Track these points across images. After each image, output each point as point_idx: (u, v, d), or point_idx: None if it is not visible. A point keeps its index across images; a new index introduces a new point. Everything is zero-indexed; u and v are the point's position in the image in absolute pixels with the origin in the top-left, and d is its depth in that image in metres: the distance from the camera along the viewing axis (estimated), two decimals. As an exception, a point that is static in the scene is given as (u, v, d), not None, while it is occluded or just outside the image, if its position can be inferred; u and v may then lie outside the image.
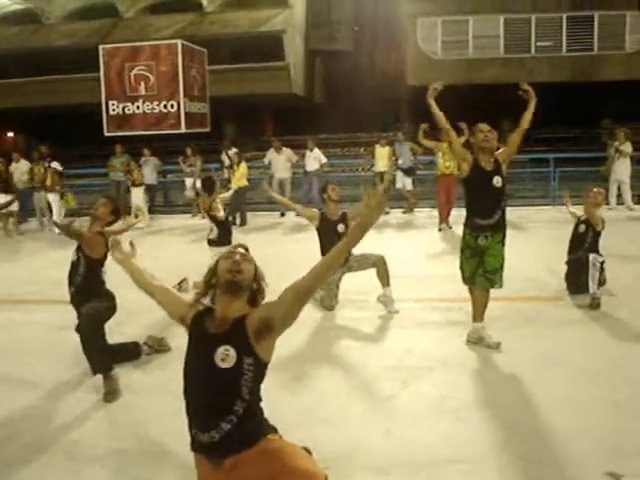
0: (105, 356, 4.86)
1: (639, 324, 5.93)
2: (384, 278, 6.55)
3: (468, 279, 5.49)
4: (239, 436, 2.52)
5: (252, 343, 2.55)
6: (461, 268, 5.51)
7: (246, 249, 2.78)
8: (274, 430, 2.68)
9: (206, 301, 2.75)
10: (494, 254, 5.32)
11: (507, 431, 3.97)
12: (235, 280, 2.60)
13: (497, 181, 5.20)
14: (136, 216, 13.44)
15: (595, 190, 6.94)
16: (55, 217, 13.09)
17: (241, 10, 24.86)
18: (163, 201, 16.57)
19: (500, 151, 5.41)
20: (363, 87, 27.04)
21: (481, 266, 5.36)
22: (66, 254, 5.26)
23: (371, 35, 29.00)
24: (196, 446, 2.60)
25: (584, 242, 6.78)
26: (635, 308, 6.37)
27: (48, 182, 13.25)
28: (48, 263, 9.22)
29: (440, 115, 5.46)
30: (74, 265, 5.04)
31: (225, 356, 2.50)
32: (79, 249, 5.05)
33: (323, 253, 6.62)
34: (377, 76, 27.80)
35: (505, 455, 3.67)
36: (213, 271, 2.70)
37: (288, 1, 25.34)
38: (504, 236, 5.37)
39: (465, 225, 5.45)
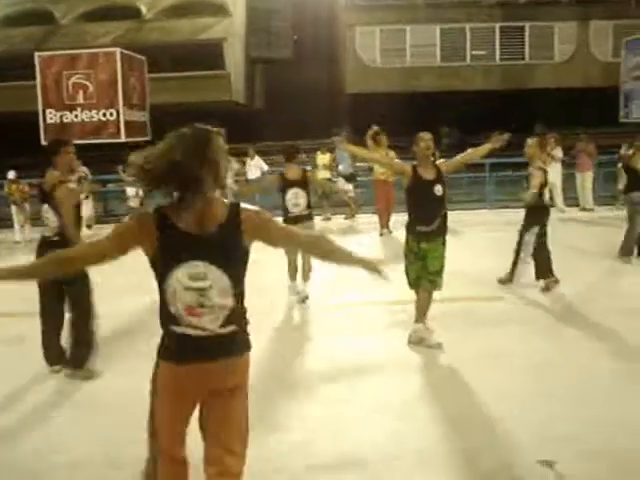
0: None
1: (570, 320, 6.26)
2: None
3: (414, 282, 5.64)
4: (236, 339, 2.47)
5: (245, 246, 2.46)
6: (406, 272, 5.66)
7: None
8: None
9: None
10: (436, 256, 5.51)
11: (449, 425, 4.15)
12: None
13: (438, 190, 5.38)
14: (89, 227, 13.26)
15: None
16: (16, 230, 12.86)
17: (181, 18, 24.77)
18: (102, 211, 16.31)
19: (442, 162, 5.60)
20: (303, 95, 27.25)
21: (424, 269, 5.55)
22: None
23: (311, 43, 29.29)
24: (176, 349, 2.44)
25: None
26: (569, 306, 6.71)
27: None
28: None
29: (364, 153, 6.37)
30: None
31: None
32: None
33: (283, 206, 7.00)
34: (317, 84, 28.06)
35: (447, 448, 3.84)
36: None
37: (228, 9, 25.40)
38: (444, 240, 5.59)
39: (407, 231, 5.65)
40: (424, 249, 5.49)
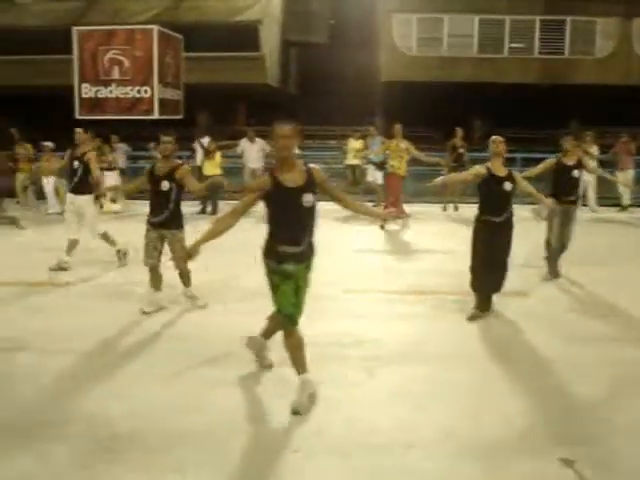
0: None
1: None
2: (185, 279, 6.60)
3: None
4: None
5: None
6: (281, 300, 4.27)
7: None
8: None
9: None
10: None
11: (462, 418, 4.13)
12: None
13: (307, 201, 4.17)
14: (113, 200, 13.42)
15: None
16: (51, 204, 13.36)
17: (218, -1, 24.73)
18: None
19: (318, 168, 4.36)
20: (337, 80, 27.11)
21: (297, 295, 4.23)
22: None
23: (347, 29, 29.05)
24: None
25: None
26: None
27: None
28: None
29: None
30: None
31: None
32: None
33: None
34: (351, 70, 27.86)
35: (457, 441, 3.82)
36: None
37: (265, -9, 25.30)
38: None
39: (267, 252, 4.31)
40: (290, 271, 4.18)
